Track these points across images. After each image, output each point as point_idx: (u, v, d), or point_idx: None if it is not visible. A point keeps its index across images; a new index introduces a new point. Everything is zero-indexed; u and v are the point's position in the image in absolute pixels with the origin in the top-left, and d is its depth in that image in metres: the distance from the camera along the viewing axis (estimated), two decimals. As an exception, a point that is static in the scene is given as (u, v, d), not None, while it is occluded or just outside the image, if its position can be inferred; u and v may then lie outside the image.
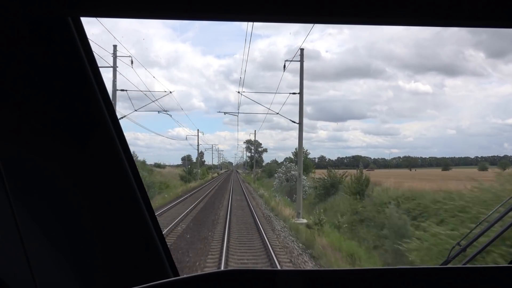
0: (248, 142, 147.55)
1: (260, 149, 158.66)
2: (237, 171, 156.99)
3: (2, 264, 1.05)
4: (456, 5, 0.94)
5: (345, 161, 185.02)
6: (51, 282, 1.20)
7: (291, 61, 22.62)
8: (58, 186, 1.22)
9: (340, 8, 0.94)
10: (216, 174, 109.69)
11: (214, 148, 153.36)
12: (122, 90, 25.52)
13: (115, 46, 24.43)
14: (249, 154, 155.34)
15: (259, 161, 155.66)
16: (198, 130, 61.02)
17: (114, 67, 24.23)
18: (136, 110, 26.77)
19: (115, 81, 24.14)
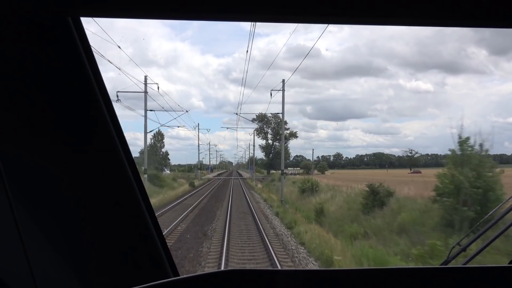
0: (260, 118, 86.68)
1: (285, 132, 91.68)
2: (239, 174, 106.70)
3: (2, 264, 1.05)
4: (456, 5, 0.94)
5: (365, 159, 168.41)
6: (51, 282, 1.20)
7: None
8: (58, 186, 1.22)
9: (340, 8, 0.94)
10: (189, 186, 43.65)
11: (211, 146, 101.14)
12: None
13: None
14: (262, 143, 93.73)
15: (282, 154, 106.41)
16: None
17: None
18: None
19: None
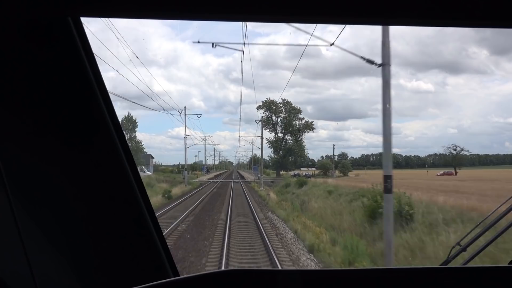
0: (268, 106, 73.70)
1: (298, 124, 76.10)
2: (240, 175, 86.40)
3: (2, 264, 1.05)
4: (457, 5, 0.94)
5: (371, 159, 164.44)
6: (51, 282, 1.20)
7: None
8: (58, 186, 1.22)
9: (340, 8, 0.94)
10: (162, 198, 27.77)
11: (208, 143, 79.86)
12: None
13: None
14: (270, 137, 76.20)
15: (295, 149, 76.73)
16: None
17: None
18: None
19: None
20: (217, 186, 45.86)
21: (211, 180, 61.51)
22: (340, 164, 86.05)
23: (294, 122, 77.62)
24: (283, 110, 77.42)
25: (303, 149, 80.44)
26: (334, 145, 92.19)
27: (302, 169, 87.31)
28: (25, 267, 1.04)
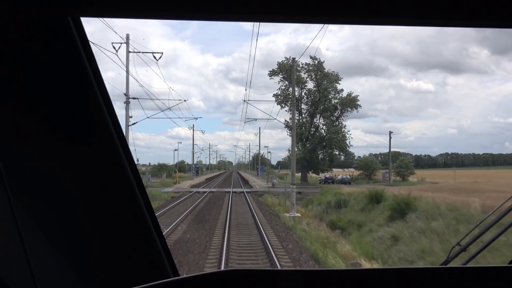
0: (286, 71, 43.38)
1: (336, 99, 47.63)
2: (242, 179, 66.45)
3: (2, 264, 1.05)
4: (458, 5, 0.94)
5: (379, 158, 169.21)
6: (51, 282, 1.20)
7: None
8: (58, 186, 1.22)
9: (340, 8, 0.94)
10: None
11: (199, 133, 65.97)
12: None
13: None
14: (290, 119, 34.32)
15: (333, 139, 47.39)
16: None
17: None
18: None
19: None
20: (199, 208, 24.66)
21: (196, 190, 38.44)
22: (397, 162, 54.99)
23: (329, 96, 48.52)
24: (313, 77, 47.45)
25: (345, 138, 50.21)
26: (390, 132, 54.14)
27: (334, 170, 60.38)
28: (25, 267, 1.04)
